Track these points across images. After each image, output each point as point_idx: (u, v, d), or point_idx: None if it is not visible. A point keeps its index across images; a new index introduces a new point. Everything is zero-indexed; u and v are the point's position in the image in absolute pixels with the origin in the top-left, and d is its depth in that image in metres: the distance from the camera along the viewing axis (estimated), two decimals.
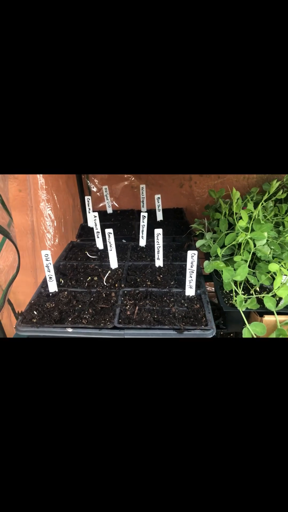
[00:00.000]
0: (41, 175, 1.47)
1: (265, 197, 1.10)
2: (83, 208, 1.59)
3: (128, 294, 0.93)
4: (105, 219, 1.50)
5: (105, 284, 1.00)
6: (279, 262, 0.87)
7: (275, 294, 0.84)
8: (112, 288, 0.97)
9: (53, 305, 0.90)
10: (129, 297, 0.92)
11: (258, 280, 0.92)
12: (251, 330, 0.80)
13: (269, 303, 0.83)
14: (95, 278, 1.03)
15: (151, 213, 1.46)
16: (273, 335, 0.81)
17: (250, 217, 0.95)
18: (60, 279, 1.03)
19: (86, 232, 1.41)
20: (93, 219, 1.15)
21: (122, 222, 1.47)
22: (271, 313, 0.84)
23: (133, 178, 1.62)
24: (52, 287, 0.96)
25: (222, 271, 0.90)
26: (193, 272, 0.90)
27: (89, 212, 1.40)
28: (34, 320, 0.84)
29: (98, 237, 1.21)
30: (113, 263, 1.08)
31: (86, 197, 1.39)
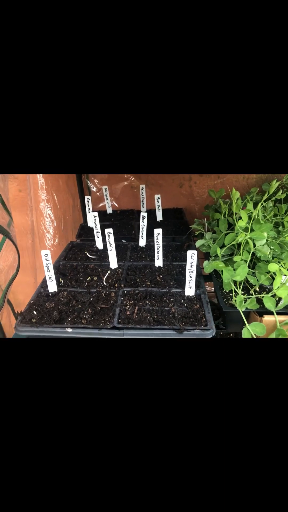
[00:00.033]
0: (41, 175, 1.47)
1: (265, 197, 1.10)
2: (83, 208, 1.59)
3: (128, 294, 0.93)
4: (105, 219, 1.50)
5: (105, 284, 1.00)
6: (279, 262, 0.87)
7: (275, 294, 0.84)
8: (112, 288, 0.97)
9: (53, 305, 0.90)
10: (129, 297, 0.92)
11: (257, 280, 0.92)
12: (250, 330, 0.80)
13: (268, 303, 0.83)
14: (95, 278, 1.03)
15: (151, 213, 1.46)
16: (273, 335, 0.81)
17: (249, 217, 0.95)
18: (60, 279, 1.03)
19: (86, 232, 1.41)
20: (93, 219, 1.15)
21: (122, 222, 1.47)
22: (271, 313, 0.84)
23: (133, 178, 1.62)
24: (52, 287, 0.96)
25: (221, 271, 0.90)
26: (192, 272, 0.90)
27: (89, 212, 1.40)
28: (34, 320, 0.84)
29: (98, 237, 1.21)
30: (113, 263, 1.08)
31: (86, 197, 1.39)
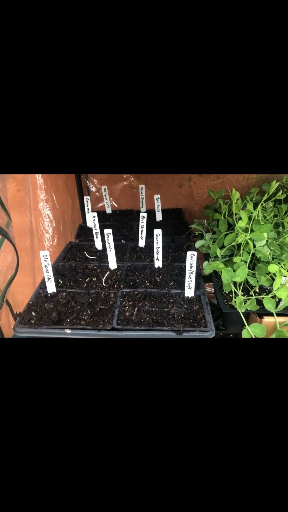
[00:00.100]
0: (40, 175, 1.47)
1: (265, 197, 1.10)
2: (82, 208, 1.59)
3: (127, 295, 0.93)
4: (104, 219, 1.49)
5: (104, 285, 0.99)
6: (279, 263, 0.87)
7: (275, 295, 0.84)
8: (111, 289, 0.97)
9: (52, 306, 0.89)
10: (128, 298, 0.91)
11: (257, 281, 0.91)
12: (250, 332, 0.80)
13: (268, 304, 0.82)
14: (94, 279, 1.02)
15: (150, 213, 1.45)
16: (273, 337, 0.80)
17: (249, 218, 0.94)
18: (59, 280, 1.03)
19: (85, 233, 1.41)
20: (92, 220, 1.15)
21: (121, 222, 1.47)
22: (271, 314, 0.83)
23: (132, 178, 1.62)
24: (51, 287, 0.96)
25: (221, 272, 0.89)
26: (192, 273, 0.89)
27: (88, 212, 1.40)
28: (33, 321, 0.83)
29: (97, 237, 1.20)
30: (112, 263, 1.07)
31: (85, 197, 1.38)
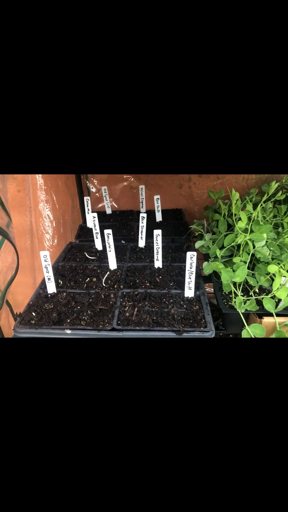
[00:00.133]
0: (40, 175, 1.47)
1: (264, 198, 1.10)
2: (82, 209, 1.59)
3: (127, 295, 0.93)
4: (104, 220, 1.49)
5: (104, 285, 0.99)
6: (278, 264, 0.87)
7: (274, 296, 0.84)
8: (111, 289, 0.97)
9: (52, 306, 0.89)
10: (128, 299, 0.91)
11: (257, 282, 0.92)
12: (250, 332, 0.80)
13: (268, 305, 0.82)
14: (94, 279, 1.03)
15: (150, 213, 1.45)
16: (273, 337, 0.80)
17: (249, 218, 0.94)
18: (59, 280, 1.03)
19: (85, 233, 1.41)
20: (92, 220, 1.15)
21: (121, 222, 1.47)
22: (271, 314, 0.83)
23: (132, 179, 1.62)
24: (51, 288, 0.96)
25: (221, 272, 0.89)
26: (192, 273, 0.90)
27: (88, 213, 1.40)
28: (33, 322, 0.84)
29: (97, 238, 1.20)
30: (112, 264, 1.07)
31: (85, 198, 1.38)
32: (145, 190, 1.43)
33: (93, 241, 1.23)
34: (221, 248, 1.00)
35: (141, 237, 1.21)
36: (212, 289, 1.07)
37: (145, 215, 1.14)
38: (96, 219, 1.14)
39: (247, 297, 0.88)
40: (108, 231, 1.01)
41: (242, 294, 0.91)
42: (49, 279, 0.94)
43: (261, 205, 1.08)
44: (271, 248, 0.93)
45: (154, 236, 1.02)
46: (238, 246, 0.97)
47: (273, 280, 0.85)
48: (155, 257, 1.06)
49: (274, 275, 0.83)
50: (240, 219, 0.93)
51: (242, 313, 0.84)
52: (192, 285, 0.91)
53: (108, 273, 1.05)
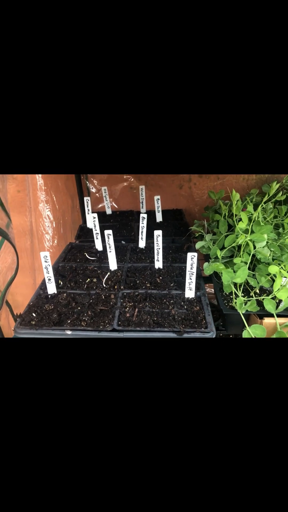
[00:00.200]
0: (40, 175, 1.47)
1: (265, 198, 1.10)
2: (82, 209, 1.59)
3: (128, 296, 0.93)
4: (104, 220, 1.49)
5: (105, 286, 0.99)
6: (279, 264, 0.87)
7: (275, 296, 0.84)
8: (112, 290, 0.97)
9: (52, 307, 0.89)
10: (129, 299, 0.91)
11: (258, 282, 0.91)
12: (251, 333, 0.80)
13: (269, 306, 0.82)
14: (94, 280, 1.02)
15: (150, 214, 1.45)
16: (273, 337, 0.80)
17: (250, 219, 0.94)
18: (59, 281, 1.03)
19: (85, 233, 1.41)
20: (92, 220, 1.15)
21: (121, 223, 1.47)
22: (271, 315, 0.83)
23: (132, 179, 1.62)
24: (51, 288, 0.96)
25: (222, 273, 0.89)
26: (192, 274, 0.89)
27: (88, 213, 1.40)
28: (33, 322, 0.83)
29: (97, 238, 1.20)
30: (113, 264, 1.07)
31: (85, 198, 1.38)
32: (145, 190, 1.43)
33: (93, 241, 1.22)
34: (222, 248, 1.00)
35: (142, 238, 1.20)
36: (213, 290, 1.07)
37: (145, 215, 1.13)
38: (97, 219, 1.13)
39: (247, 298, 0.88)
40: (108, 232, 1.00)
41: (242, 294, 0.91)
42: (49, 279, 0.94)
43: (262, 205, 1.08)
44: (272, 249, 0.93)
45: (155, 237, 1.01)
46: (239, 246, 0.97)
47: (273, 281, 0.85)
48: (156, 258, 1.06)
49: (275, 275, 0.83)
50: (240, 219, 0.92)
51: (242, 313, 0.84)
52: (193, 285, 0.91)
53: (108, 273, 1.05)
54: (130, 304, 0.89)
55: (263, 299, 0.84)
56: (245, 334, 0.80)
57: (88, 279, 1.03)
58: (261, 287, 0.95)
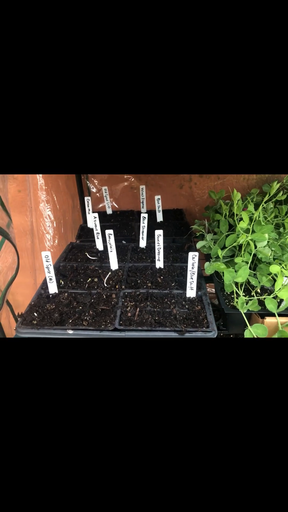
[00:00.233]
0: (41, 175, 1.47)
1: (266, 198, 1.10)
2: (83, 209, 1.59)
3: (129, 295, 0.93)
4: (105, 220, 1.49)
5: (106, 285, 0.99)
6: (280, 264, 0.87)
7: (276, 296, 0.84)
8: (113, 290, 0.97)
9: (54, 306, 0.89)
10: (130, 299, 0.91)
11: (259, 282, 0.92)
12: (252, 332, 0.80)
13: (270, 305, 0.83)
14: (95, 280, 1.02)
15: (151, 214, 1.45)
16: (275, 337, 0.80)
17: (250, 219, 0.94)
18: (60, 281, 1.03)
19: (85, 233, 1.41)
20: (93, 220, 1.15)
21: (121, 223, 1.47)
22: (273, 314, 0.83)
23: (132, 179, 1.62)
24: (52, 288, 0.96)
25: (223, 272, 0.89)
26: (194, 274, 0.90)
27: (89, 213, 1.40)
28: (35, 322, 0.83)
29: (98, 238, 1.20)
30: (113, 264, 1.07)
31: (85, 198, 1.38)
32: (145, 190, 1.43)
33: (94, 241, 1.22)
34: (223, 248, 1.00)
35: (142, 238, 1.20)
36: (213, 289, 1.07)
37: (146, 215, 1.14)
38: (97, 219, 1.13)
39: (249, 297, 0.88)
40: (109, 231, 1.00)
41: (244, 294, 0.91)
42: (50, 279, 0.94)
43: (262, 205, 1.08)
44: (273, 248, 0.93)
45: (156, 236, 1.01)
46: (240, 246, 0.97)
47: (275, 280, 0.85)
48: (157, 257, 1.06)
49: (276, 275, 0.83)
50: (241, 219, 0.93)
51: (244, 313, 0.84)
52: (194, 285, 0.91)
53: (109, 273, 1.05)
54: (132, 303, 0.89)
55: (264, 298, 0.84)
56: (247, 334, 0.81)
57: (89, 279, 1.03)
58: (262, 287, 0.96)
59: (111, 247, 1.03)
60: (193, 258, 0.88)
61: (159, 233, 1.01)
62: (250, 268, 0.93)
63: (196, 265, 0.88)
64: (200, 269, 1.02)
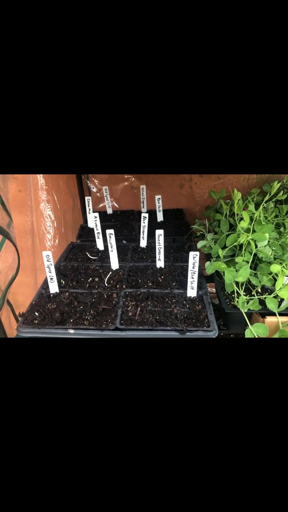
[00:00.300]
0: (41, 175, 1.47)
1: (266, 198, 1.10)
2: (83, 209, 1.59)
3: (130, 295, 0.93)
4: (105, 220, 1.49)
5: (106, 285, 0.99)
6: (281, 263, 0.87)
7: (277, 295, 0.84)
8: (114, 289, 0.97)
9: (55, 306, 0.89)
10: (131, 298, 0.91)
11: (259, 281, 0.92)
12: (253, 331, 0.80)
13: (271, 304, 0.83)
14: (96, 279, 1.03)
15: (151, 213, 1.45)
16: (276, 336, 0.81)
17: (251, 218, 0.95)
18: (61, 280, 1.03)
19: (86, 233, 1.41)
20: (93, 220, 1.15)
21: (122, 222, 1.47)
22: (273, 314, 0.84)
23: (133, 179, 1.62)
24: (53, 288, 0.96)
25: (223, 272, 0.90)
26: (194, 273, 0.90)
27: (89, 213, 1.40)
28: (36, 322, 0.83)
29: (98, 237, 1.20)
30: (114, 264, 1.07)
31: (86, 198, 1.38)
32: (146, 190, 1.43)
33: (94, 241, 1.22)
34: (223, 248, 1.00)
35: (143, 237, 1.21)
36: (214, 289, 1.07)
37: (146, 215, 1.14)
38: (98, 219, 1.13)
39: (249, 297, 0.88)
40: (110, 231, 1.01)
41: (244, 293, 0.91)
42: (51, 279, 0.94)
43: (263, 205, 1.08)
44: (273, 248, 0.94)
45: (156, 236, 1.02)
46: (240, 246, 0.97)
47: (275, 279, 0.85)
48: (157, 257, 1.06)
49: (276, 274, 0.83)
50: (242, 219, 0.93)
51: (245, 312, 0.84)
52: (195, 284, 0.92)
53: (110, 273, 1.05)
54: (132, 303, 0.89)
55: (265, 298, 0.84)
56: (247, 333, 0.81)
57: (90, 279, 1.03)
58: (262, 286, 0.96)
59: (111, 247, 1.03)
60: (193, 258, 0.88)
61: (159, 232, 1.01)
62: (250, 267, 0.93)
63: (196, 264, 0.88)
64: (201, 269, 1.02)
